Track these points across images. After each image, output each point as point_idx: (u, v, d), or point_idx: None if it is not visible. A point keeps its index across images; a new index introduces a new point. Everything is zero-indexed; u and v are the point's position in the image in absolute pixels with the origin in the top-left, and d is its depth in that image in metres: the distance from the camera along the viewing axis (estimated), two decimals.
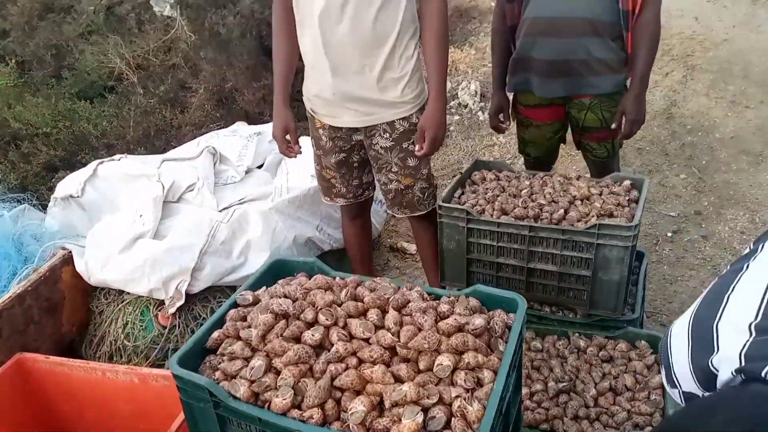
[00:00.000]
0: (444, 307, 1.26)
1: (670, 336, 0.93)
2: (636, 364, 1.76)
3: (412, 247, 2.93)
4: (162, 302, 2.23)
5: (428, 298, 1.33)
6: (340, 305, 1.27)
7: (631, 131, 2.23)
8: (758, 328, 0.78)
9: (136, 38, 4.75)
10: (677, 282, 2.50)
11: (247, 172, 2.77)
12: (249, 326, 1.30)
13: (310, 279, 1.42)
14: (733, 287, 0.86)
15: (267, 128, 3.10)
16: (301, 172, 2.71)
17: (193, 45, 4.40)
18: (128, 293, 2.29)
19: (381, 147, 2.02)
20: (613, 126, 2.24)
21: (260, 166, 2.89)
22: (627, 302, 1.99)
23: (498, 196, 2.08)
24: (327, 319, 1.23)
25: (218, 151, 2.79)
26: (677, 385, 0.90)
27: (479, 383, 1.13)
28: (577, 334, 1.91)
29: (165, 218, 2.42)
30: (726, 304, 0.85)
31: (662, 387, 1.67)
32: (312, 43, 1.89)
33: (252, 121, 3.59)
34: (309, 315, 1.24)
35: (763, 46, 3.99)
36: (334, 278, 1.42)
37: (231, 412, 1.18)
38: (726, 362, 0.79)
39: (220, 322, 1.35)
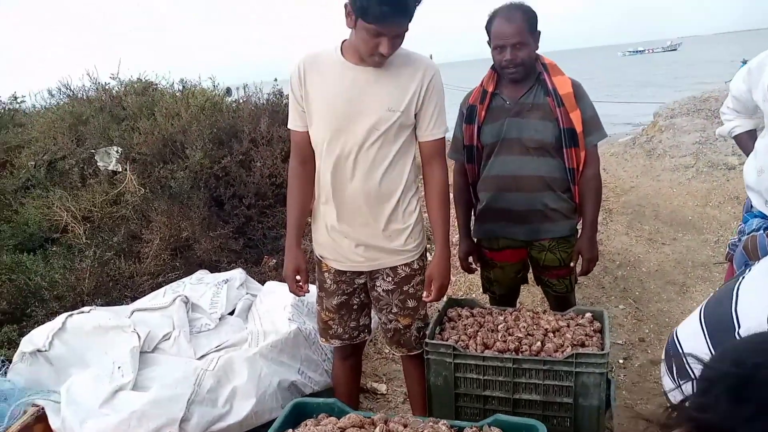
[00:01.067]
0: None
1: (677, 339, 1.08)
2: None
3: (382, 387, 2.99)
4: None
5: (454, 430, 1.43)
6: None
7: (588, 268, 2.52)
8: None
9: (79, 191, 4.80)
10: (638, 405, 2.69)
11: (220, 319, 2.81)
12: None
13: (334, 419, 1.48)
14: (738, 286, 1.07)
15: (233, 275, 3.19)
16: (273, 317, 2.78)
17: (144, 197, 4.50)
18: None
19: (383, 290, 2.17)
20: (572, 264, 2.52)
21: (231, 313, 2.93)
22: (606, 427, 2.13)
23: (478, 331, 2.25)
24: None
25: (190, 300, 2.83)
26: (691, 375, 1.00)
27: None
28: None
29: (142, 368, 2.39)
30: (737, 296, 1.05)
31: None
32: (324, 195, 2.09)
33: (210, 269, 3.65)
34: None
35: (664, 192, 4.59)
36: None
37: None
38: (754, 330, 0.94)
39: None
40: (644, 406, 2.70)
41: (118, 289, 3.65)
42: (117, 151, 5.04)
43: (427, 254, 2.30)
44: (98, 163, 5.13)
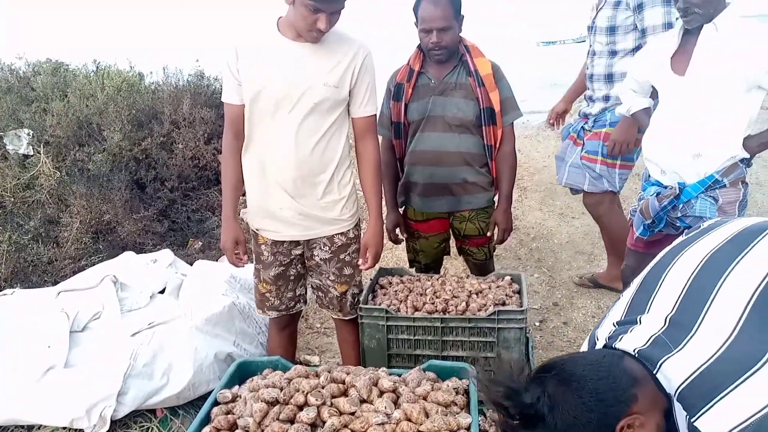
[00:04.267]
0: (412, 381, 1.49)
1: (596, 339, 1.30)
2: None
3: (315, 359, 3.08)
4: None
5: (393, 376, 1.55)
6: (323, 388, 1.45)
7: (503, 237, 2.71)
8: (618, 323, 1.27)
9: None
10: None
11: (151, 298, 2.80)
12: (236, 419, 1.41)
13: (280, 372, 1.57)
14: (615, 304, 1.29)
15: (161, 255, 3.17)
16: (206, 293, 2.80)
17: (60, 181, 4.34)
18: (39, 429, 2.17)
19: (320, 258, 2.26)
20: (488, 234, 2.71)
21: (161, 292, 2.92)
22: None
23: (408, 296, 2.39)
24: (316, 400, 1.39)
25: (118, 280, 2.80)
26: None
27: None
28: (491, 410, 2.18)
29: (73, 347, 2.36)
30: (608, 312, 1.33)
31: None
32: (260, 164, 2.14)
33: (135, 251, 3.59)
34: (300, 398, 1.40)
35: None
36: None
37: None
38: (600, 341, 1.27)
39: (206, 420, 1.44)
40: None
41: (38, 274, 3.54)
42: (28, 134, 4.81)
43: (361, 224, 2.40)
44: (8, 147, 4.88)
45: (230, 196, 2.22)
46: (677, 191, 2.20)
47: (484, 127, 2.57)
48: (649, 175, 2.40)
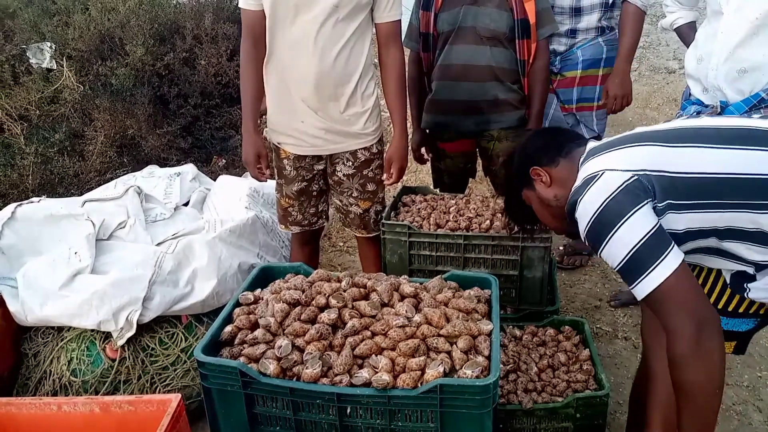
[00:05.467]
0: (433, 288, 1.47)
1: None
2: (565, 344, 2.07)
3: None
4: (107, 336, 2.21)
5: (415, 283, 1.54)
6: (344, 292, 1.44)
7: None
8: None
9: (12, 89, 4.56)
10: (575, 285, 2.93)
11: (175, 209, 2.81)
12: (258, 319, 1.42)
13: (302, 276, 1.57)
14: None
15: (186, 168, 3.17)
16: (229, 207, 2.81)
17: (84, 95, 4.32)
18: (68, 330, 2.24)
19: (343, 174, 2.23)
20: None
21: (185, 204, 2.94)
22: (547, 297, 2.32)
23: (431, 213, 2.36)
24: (338, 302, 1.39)
25: (143, 191, 2.81)
26: None
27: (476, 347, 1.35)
28: (512, 326, 2.19)
29: (99, 255, 2.40)
30: None
31: (590, 358, 1.98)
32: (280, 76, 2.08)
33: (159, 166, 3.61)
34: (321, 300, 1.40)
35: None
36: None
37: (262, 389, 1.29)
38: None
39: (228, 320, 1.46)
40: (581, 286, 2.94)
41: (64, 186, 3.58)
42: (50, 47, 4.76)
43: (384, 140, 2.35)
44: (31, 60, 4.85)
45: (250, 108, 2.17)
46: (718, 110, 2.09)
47: (517, 41, 2.45)
48: (690, 94, 2.28)
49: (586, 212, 1.24)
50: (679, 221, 1.24)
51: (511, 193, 1.63)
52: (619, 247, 1.20)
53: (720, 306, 1.48)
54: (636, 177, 1.22)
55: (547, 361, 2.01)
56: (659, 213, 1.22)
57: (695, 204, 1.22)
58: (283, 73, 2.07)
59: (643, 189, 1.21)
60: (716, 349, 1.17)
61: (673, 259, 1.18)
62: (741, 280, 1.35)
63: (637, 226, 1.19)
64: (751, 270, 1.30)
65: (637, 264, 1.19)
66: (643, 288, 1.19)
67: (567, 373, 1.96)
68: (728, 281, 1.40)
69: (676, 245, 1.20)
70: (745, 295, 1.35)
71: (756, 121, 1.31)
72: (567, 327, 2.16)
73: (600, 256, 1.26)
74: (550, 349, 2.07)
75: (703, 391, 1.19)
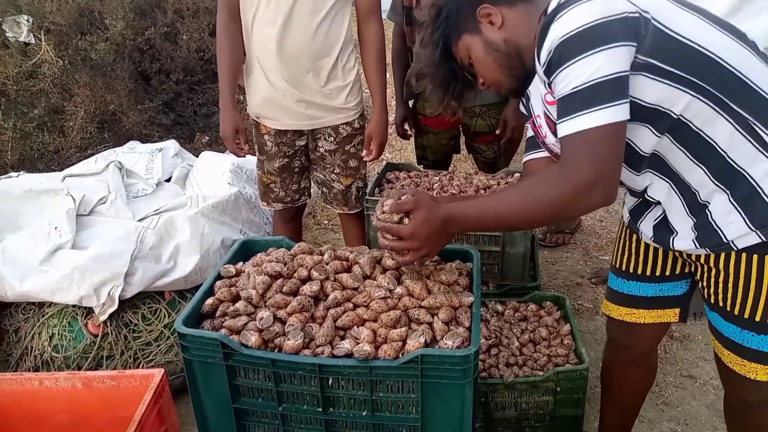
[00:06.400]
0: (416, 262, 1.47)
1: None
2: (547, 319, 2.09)
3: None
4: (89, 311, 2.20)
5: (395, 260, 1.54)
6: (327, 264, 1.44)
7: (512, 135, 2.64)
8: None
9: None
10: (557, 263, 2.95)
11: (157, 185, 2.79)
12: (239, 291, 1.41)
13: (284, 249, 1.56)
14: None
15: (168, 144, 3.14)
16: (211, 182, 2.79)
17: (63, 70, 4.24)
18: (49, 306, 2.22)
19: (325, 150, 2.21)
20: (498, 132, 2.63)
21: (167, 181, 2.91)
22: (529, 273, 2.34)
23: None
24: (320, 275, 1.39)
25: (124, 166, 2.78)
26: None
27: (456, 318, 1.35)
28: (494, 302, 2.21)
29: (80, 230, 2.38)
30: None
31: (571, 333, 2.01)
32: (260, 49, 2.05)
33: (141, 142, 3.57)
34: (303, 273, 1.40)
35: None
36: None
37: (244, 361, 1.29)
38: None
39: (209, 293, 1.45)
40: (563, 263, 2.97)
41: (44, 162, 3.54)
42: (28, 21, 4.66)
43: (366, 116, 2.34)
44: (7, 34, 4.74)
45: (227, 82, 2.14)
46: None
47: None
48: None
49: (571, 21, 1.10)
50: (650, 90, 1.15)
51: (442, 45, 1.37)
52: (585, 71, 1.09)
53: (648, 273, 1.50)
54: (639, 15, 1.11)
55: (528, 336, 2.03)
56: (634, 67, 1.12)
57: (675, 75, 1.14)
58: (262, 46, 2.05)
59: (637, 32, 1.11)
60: (587, 208, 1.16)
61: (621, 112, 1.10)
62: (666, 233, 1.35)
63: (614, 60, 1.08)
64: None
65: (588, 96, 1.09)
66: (576, 124, 1.10)
67: (548, 347, 1.98)
68: (653, 235, 1.39)
69: (628, 104, 1.11)
70: (670, 244, 1.34)
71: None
72: (548, 303, 2.18)
73: (556, 74, 1.13)
74: (532, 324, 2.09)
75: (547, 212, 1.18)
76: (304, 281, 1.40)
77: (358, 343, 1.25)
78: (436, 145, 2.77)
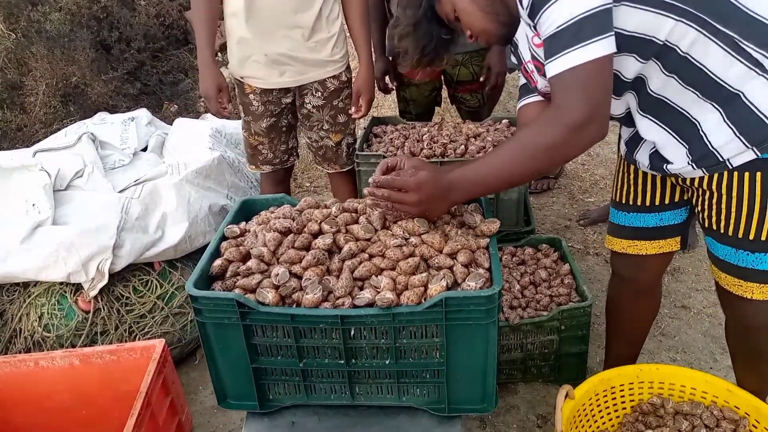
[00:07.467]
0: None
1: None
2: (545, 261, 2.11)
3: None
4: (78, 288, 2.13)
5: None
6: (336, 217, 1.41)
7: (497, 81, 2.61)
8: None
9: None
10: (544, 208, 2.98)
11: (134, 155, 2.69)
12: (249, 250, 1.37)
13: (288, 206, 1.52)
14: None
15: (139, 113, 3.02)
16: (191, 148, 2.70)
17: (16, 43, 4.03)
18: (35, 286, 2.14)
19: (313, 106, 2.15)
20: (482, 79, 2.60)
21: (144, 150, 2.81)
22: (522, 218, 2.34)
23: (404, 142, 2.32)
24: (331, 228, 1.36)
25: (97, 137, 2.67)
26: None
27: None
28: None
29: (58, 206, 2.28)
30: None
31: (571, 272, 2.03)
32: (240, 5, 1.96)
33: (110, 113, 3.43)
34: (314, 227, 1.36)
35: None
36: None
37: (262, 319, 1.26)
38: None
39: (216, 254, 1.41)
40: (550, 208, 2.99)
41: (8, 140, 3.39)
42: None
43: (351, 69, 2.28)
44: None
45: (205, 38, 2.04)
46: None
47: None
48: None
49: None
50: (631, 18, 1.15)
51: (426, 4, 1.38)
52: (568, 7, 1.08)
53: (648, 203, 1.52)
54: None
55: (528, 278, 2.04)
56: None
57: (656, 1, 1.14)
58: (241, 2, 1.96)
59: None
60: (585, 144, 1.17)
61: (606, 46, 1.09)
62: (659, 161, 1.36)
63: None
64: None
65: (573, 33, 1.09)
66: (564, 62, 1.10)
67: (549, 288, 2.00)
68: (649, 163, 1.40)
69: (613, 36, 1.11)
70: (666, 169, 1.35)
71: None
72: (544, 245, 2.19)
73: (540, 14, 1.13)
74: (530, 267, 2.10)
75: (547, 158, 1.17)
76: (315, 235, 1.36)
77: (379, 292, 1.23)
78: (419, 98, 2.73)
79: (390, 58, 2.66)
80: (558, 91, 1.14)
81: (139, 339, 2.18)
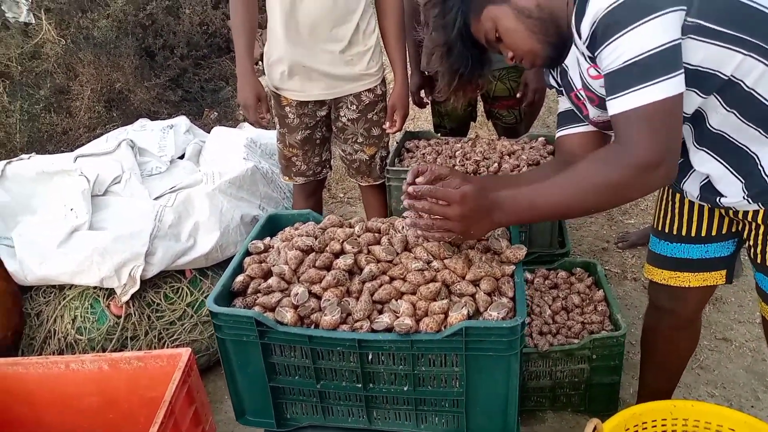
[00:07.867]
0: None
1: None
2: (578, 285, 2.04)
3: None
4: (111, 292, 2.16)
5: None
6: (359, 237, 1.39)
7: (534, 98, 2.55)
8: None
9: None
10: (581, 228, 2.90)
11: (170, 163, 2.73)
12: (270, 267, 1.37)
13: (313, 223, 1.51)
14: None
15: (178, 121, 3.07)
16: (226, 158, 2.73)
17: (66, 49, 4.16)
18: (70, 289, 2.19)
19: (348, 119, 2.15)
20: (518, 95, 2.55)
21: (180, 158, 2.85)
22: (556, 240, 2.28)
23: (436, 158, 2.29)
24: (353, 248, 1.34)
25: (136, 144, 2.72)
26: None
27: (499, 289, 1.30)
28: (523, 270, 2.15)
29: (95, 211, 2.33)
30: None
31: (605, 299, 1.96)
32: (279, 18, 1.98)
33: (150, 119, 3.50)
34: (336, 246, 1.35)
35: None
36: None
37: (280, 339, 1.25)
38: None
39: (239, 270, 1.40)
40: (587, 229, 2.91)
41: (53, 143, 3.49)
42: (26, 0, 4.57)
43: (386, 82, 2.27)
44: (6, 15, 4.65)
45: (244, 49, 2.06)
46: None
47: None
48: None
49: None
50: (697, 52, 1.09)
51: (460, 24, 1.25)
52: (636, 42, 1.02)
53: (693, 233, 1.44)
54: None
55: (560, 303, 1.98)
56: (683, 31, 1.05)
57: (724, 34, 1.07)
58: (280, 14, 1.97)
59: None
60: (651, 188, 1.12)
61: (677, 84, 1.04)
62: (711, 194, 1.30)
63: (665, 28, 1.02)
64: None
65: (641, 70, 1.03)
66: (631, 101, 1.04)
67: (581, 314, 1.94)
68: (698, 195, 1.33)
69: (683, 74, 1.05)
70: (718, 201, 1.29)
71: None
72: (578, 269, 2.13)
73: (602, 47, 1.06)
74: (563, 292, 2.04)
75: (608, 196, 1.12)
76: (336, 255, 1.35)
77: (398, 317, 1.20)
78: (453, 113, 2.69)
79: (425, 73, 2.64)
80: (624, 129, 1.08)
81: (167, 346, 2.20)
